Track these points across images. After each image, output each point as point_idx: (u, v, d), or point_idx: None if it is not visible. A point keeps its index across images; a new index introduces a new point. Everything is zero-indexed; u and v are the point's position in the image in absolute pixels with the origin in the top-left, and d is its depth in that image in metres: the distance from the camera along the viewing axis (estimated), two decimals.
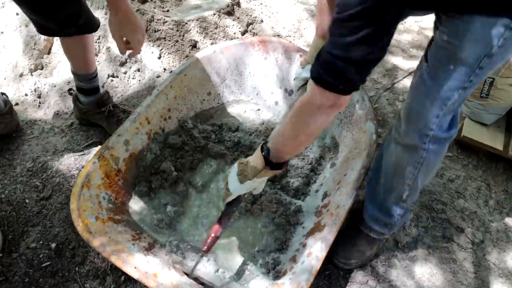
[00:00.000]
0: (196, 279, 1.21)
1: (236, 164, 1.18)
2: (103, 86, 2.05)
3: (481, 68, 0.98)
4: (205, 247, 1.20)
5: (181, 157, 1.56)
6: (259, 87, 1.80)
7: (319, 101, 0.93)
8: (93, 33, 1.62)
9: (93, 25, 1.54)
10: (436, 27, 1.05)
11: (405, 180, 1.25)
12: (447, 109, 1.07)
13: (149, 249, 1.24)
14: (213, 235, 1.21)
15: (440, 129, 1.12)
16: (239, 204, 1.26)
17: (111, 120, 1.74)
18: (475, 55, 0.96)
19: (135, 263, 1.12)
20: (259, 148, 1.10)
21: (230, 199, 1.20)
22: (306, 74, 1.28)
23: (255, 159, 1.11)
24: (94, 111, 1.75)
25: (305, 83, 1.33)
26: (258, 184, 1.16)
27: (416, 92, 1.11)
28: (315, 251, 1.15)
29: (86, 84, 1.72)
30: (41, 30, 1.52)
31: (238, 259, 1.35)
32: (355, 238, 1.45)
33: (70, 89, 1.84)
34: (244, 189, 1.16)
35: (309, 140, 1.07)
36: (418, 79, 1.10)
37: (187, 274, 1.22)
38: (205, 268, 1.24)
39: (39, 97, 2.00)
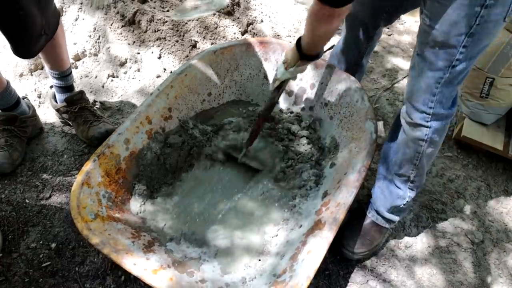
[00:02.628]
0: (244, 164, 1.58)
1: (283, 53, 1.46)
2: (103, 86, 2.05)
3: (465, 47, 1.02)
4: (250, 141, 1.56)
5: (180, 156, 1.56)
6: (260, 88, 1.80)
7: (320, 12, 1.13)
8: (63, 31, 1.62)
9: (54, 26, 1.52)
10: (421, 11, 1.11)
11: (411, 159, 1.29)
12: (442, 87, 1.11)
13: (148, 246, 1.24)
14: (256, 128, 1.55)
15: (442, 106, 1.16)
16: (281, 91, 1.52)
17: (78, 121, 1.76)
18: (456, 36, 1.01)
19: (134, 260, 1.12)
20: (295, 42, 1.36)
21: (277, 83, 1.48)
22: (288, 75, 1.44)
23: (293, 52, 1.38)
24: (64, 110, 1.77)
25: (283, 83, 1.49)
26: (299, 71, 1.44)
27: (412, 74, 1.18)
28: (315, 249, 1.15)
29: (60, 82, 1.74)
30: (18, 53, 1.49)
31: (238, 257, 1.35)
32: (363, 227, 1.48)
33: (51, 86, 1.85)
34: (288, 74, 1.43)
35: (324, 39, 1.30)
36: (413, 62, 1.17)
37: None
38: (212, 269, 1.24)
39: (39, 97, 2.00)
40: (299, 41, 1.34)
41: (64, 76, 1.73)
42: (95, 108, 1.85)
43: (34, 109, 1.79)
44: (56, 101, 1.82)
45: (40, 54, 1.62)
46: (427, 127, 1.20)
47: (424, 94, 1.14)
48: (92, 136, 1.71)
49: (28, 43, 1.43)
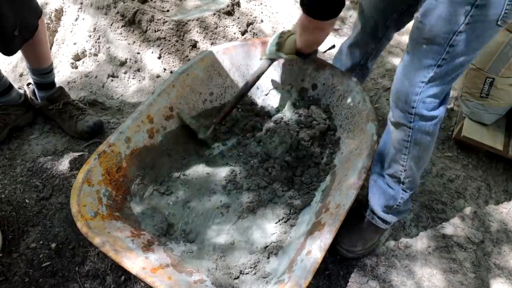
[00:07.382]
0: None
1: (278, 33, 1.48)
2: (103, 86, 2.05)
3: (452, 46, 1.01)
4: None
5: (178, 153, 1.57)
6: (261, 88, 1.80)
7: (304, 23, 1.23)
8: (45, 28, 1.60)
9: (33, 28, 1.50)
10: (417, 9, 1.10)
11: (398, 160, 1.29)
12: (426, 87, 1.10)
13: (148, 245, 1.24)
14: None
15: (424, 107, 1.13)
16: (265, 70, 1.56)
17: (63, 117, 1.76)
18: (443, 34, 1.00)
19: (133, 259, 1.12)
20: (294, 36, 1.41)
21: (264, 57, 1.55)
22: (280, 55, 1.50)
23: (292, 42, 1.42)
24: (47, 107, 1.76)
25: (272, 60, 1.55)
26: (286, 57, 1.48)
27: (398, 71, 1.16)
28: (314, 251, 1.15)
29: (40, 79, 1.72)
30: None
31: (237, 257, 1.35)
32: (359, 226, 1.47)
33: (29, 83, 1.83)
34: (276, 56, 1.50)
35: (317, 43, 1.37)
36: (401, 60, 1.17)
37: None
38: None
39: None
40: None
41: (45, 73, 1.71)
42: (76, 101, 1.84)
43: (26, 99, 1.77)
44: (37, 99, 1.80)
45: (22, 52, 1.60)
46: (409, 128, 1.18)
47: (407, 93, 1.13)
48: (81, 131, 1.72)
49: (1, 42, 1.42)
